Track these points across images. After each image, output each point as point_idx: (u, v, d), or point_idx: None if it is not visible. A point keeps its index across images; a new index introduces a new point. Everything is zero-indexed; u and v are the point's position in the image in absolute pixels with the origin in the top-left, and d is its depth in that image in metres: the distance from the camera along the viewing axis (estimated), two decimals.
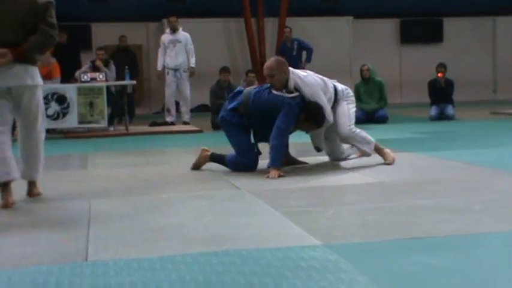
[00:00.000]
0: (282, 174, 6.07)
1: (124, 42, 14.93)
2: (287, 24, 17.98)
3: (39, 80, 5.23)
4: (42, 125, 5.35)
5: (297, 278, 3.00)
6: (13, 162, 5.10)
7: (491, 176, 5.78)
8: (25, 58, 5.08)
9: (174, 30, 13.36)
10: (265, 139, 6.48)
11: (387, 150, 6.78)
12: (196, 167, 6.74)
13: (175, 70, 13.24)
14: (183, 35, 13.37)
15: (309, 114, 6.31)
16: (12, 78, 5.06)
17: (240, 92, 6.67)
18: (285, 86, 6.38)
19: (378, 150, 6.79)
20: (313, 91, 6.36)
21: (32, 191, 5.40)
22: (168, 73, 13.31)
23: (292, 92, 6.32)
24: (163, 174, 6.63)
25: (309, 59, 15.27)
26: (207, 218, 4.40)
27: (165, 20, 16.38)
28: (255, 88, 6.69)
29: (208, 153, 6.73)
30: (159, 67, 13.48)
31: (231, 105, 6.56)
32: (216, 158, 6.71)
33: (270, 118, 6.26)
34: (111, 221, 4.40)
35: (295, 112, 6.25)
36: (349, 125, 6.66)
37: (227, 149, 6.76)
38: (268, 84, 6.51)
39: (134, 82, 12.44)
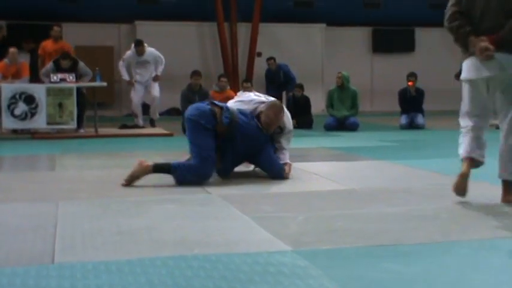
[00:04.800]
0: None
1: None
2: (260, 29, 18.04)
3: None
4: None
5: (266, 283, 3.00)
6: None
7: None
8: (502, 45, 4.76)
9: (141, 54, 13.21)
10: (224, 172, 6.34)
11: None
12: (132, 180, 5.91)
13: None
14: (150, 54, 13.21)
15: None
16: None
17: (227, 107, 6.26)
18: None
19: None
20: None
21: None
22: (136, 81, 13.23)
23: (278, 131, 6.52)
24: None
25: (291, 88, 14.95)
26: (176, 221, 4.38)
27: (137, 22, 16.31)
28: (240, 114, 6.27)
29: (149, 164, 5.97)
30: (127, 78, 13.37)
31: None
32: (160, 168, 6.01)
33: (249, 146, 6.21)
34: (78, 222, 4.35)
35: None
36: None
37: None
38: (248, 113, 6.38)
39: (105, 84, 12.14)
